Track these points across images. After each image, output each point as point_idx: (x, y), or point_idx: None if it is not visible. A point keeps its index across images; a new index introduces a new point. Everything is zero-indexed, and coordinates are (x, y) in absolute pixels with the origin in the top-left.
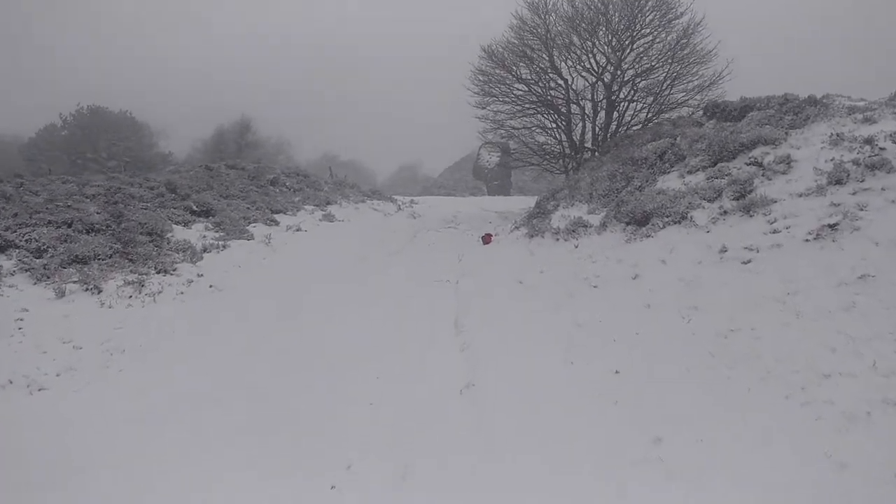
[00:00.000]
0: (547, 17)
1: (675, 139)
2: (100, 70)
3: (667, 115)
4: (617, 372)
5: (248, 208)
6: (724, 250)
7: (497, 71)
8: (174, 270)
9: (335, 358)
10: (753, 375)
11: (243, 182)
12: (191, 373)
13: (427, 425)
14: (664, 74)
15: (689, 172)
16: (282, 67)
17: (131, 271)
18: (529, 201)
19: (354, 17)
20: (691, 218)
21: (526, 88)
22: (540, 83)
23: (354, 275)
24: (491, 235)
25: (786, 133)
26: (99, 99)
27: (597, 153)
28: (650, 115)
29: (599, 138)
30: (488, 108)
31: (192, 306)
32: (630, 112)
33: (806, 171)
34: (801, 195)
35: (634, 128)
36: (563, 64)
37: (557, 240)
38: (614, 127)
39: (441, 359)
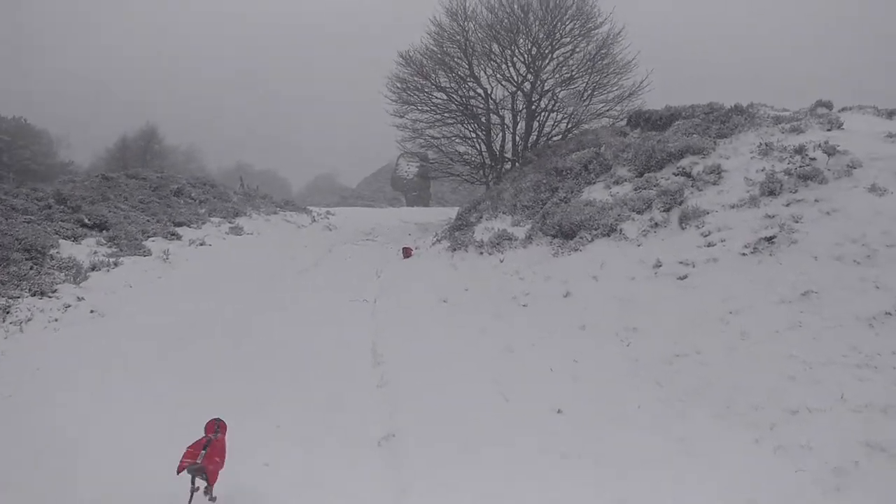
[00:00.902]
0: (466, 23)
1: (600, 149)
2: None
3: (586, 126)
4: (559, 411)
5: (147, 221)
6: (658, 265)
7: (415, 78)
8: (53, 293)
9: (224, 406)
10: (710, 410)
11: (144, 193)
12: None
13: (337, 493)
14: (584, 84)
15: (616, 183)
16: (195, 73)
17: None
18: (450, 212)
19: (271, 19)
20: (621, 231)
21: (445, 97)
22: (459, 91)
23: (260, 296)
24: (411, 249)
25: (714, 142)
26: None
27: (517, 164)
28: (570, 125)
29: (520, 149)
30: (406, 116)
31: (63, 338)
32: (550, 122)
33: (737, 181)
34: (733, 206)
35: (555, 138)
36: (482, 72)
37: (481, 253)
38: (534, 137)
39: (355, 398)
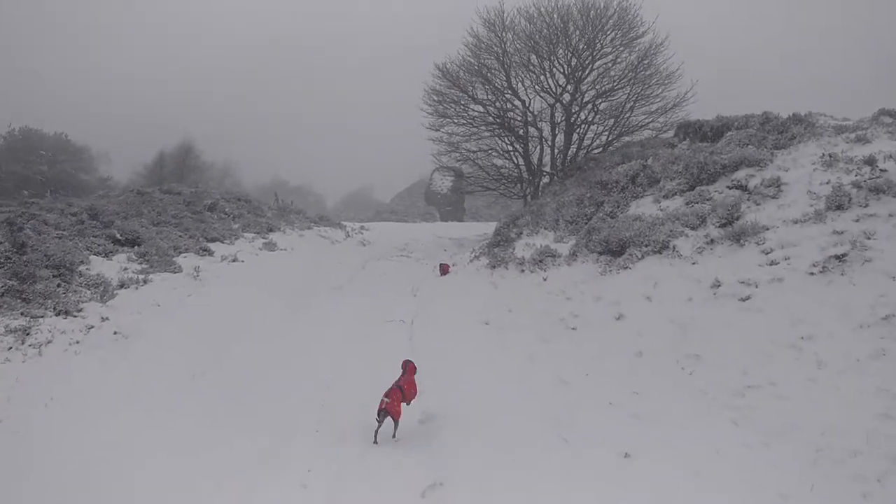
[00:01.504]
0: (504, 34)
1: (647, 161)
2: (42, 90)
3: (627, 138)
4: (627, 455)
5: (180, 237)
6: (716, 285)
7: (452, 91)
8: (79, 312)
9: (247, 452)
10: (802, 457)
11: (178, 208)
12: None
13: None
14: (626, 96)
15: (666, 197)
16: (232, 90)
17: (22, 313)
18: (485, 228)
19: (306, 38)
20: (674, 248)
21: (482, 109)
22: (497, 104)
23: (291, 316)
24: (448, 266)
25: (771, 154)
26: (40, 120)
27: (556, 177)
28: (611, 137)
29: (558, 162)
30: (442, 129)
31: (83, 363)
32: (590, 135)
33: (799, 194)
34: (796, 222)
35: (595, 151)
36: (519, 84)
37: (522, 271)
38: (574, 150)
39: (394, 446)
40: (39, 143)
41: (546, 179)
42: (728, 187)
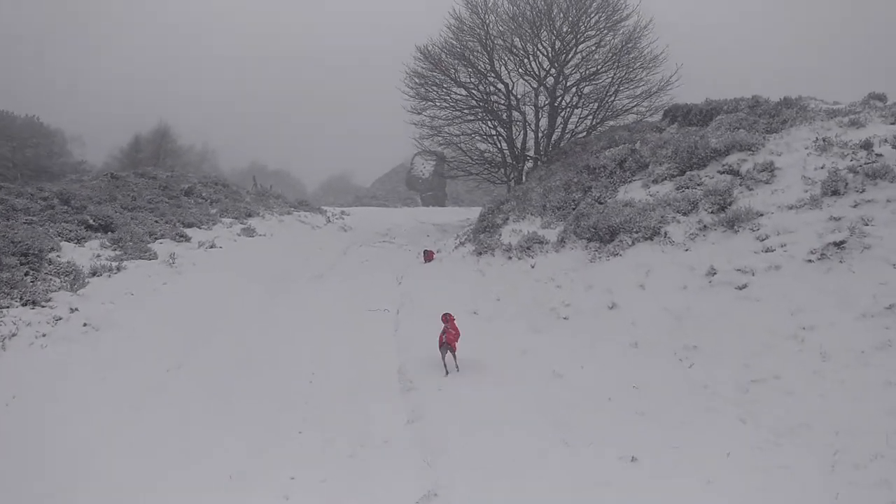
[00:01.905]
0: (486, 16)
1: (635, 145)
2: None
3: (612, 123)
4: (633, 459)
5: (155, 222)
6: (711, 273)
7: (434, 73)
8: (47, 302)
9: (223, 462)
10: (819, 460)
11: (153, 192)
12: None
13: None
14: (610, 79)
15: (655, 182)
16: (209, 74)
17: None
18: (468, 213)
19: (286, 19)
20: (665, 234)
21: (465, 92)
22: (479, 87)
23: (270, 305)
24: (433, 252)
25: (763, 138)
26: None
27: (540, 162)
28: (595, 122)
29: (542, 146)
30: (424, 113)
31: (49, 357)
32: (574, 119)
33: (793, 179)
34: (791, 208)
35: (580, 135)
36: (503, 67)
37: (510, 258)
38: (558, 134)
39: (383, 440)
40: (9, 125)
41: (530, 164)
42: (719, 172)
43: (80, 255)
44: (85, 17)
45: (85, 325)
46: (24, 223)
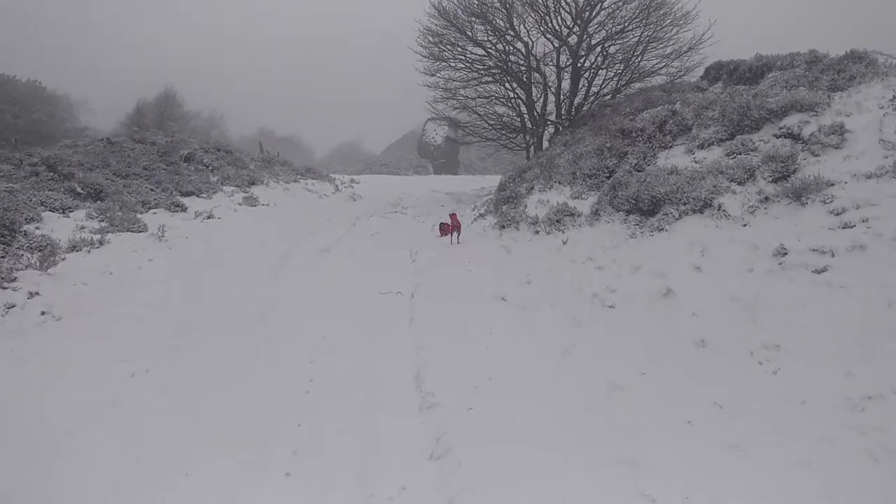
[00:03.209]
0: None
1: (675, 106)
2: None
3: (638, 85)
4: None
5: (151, 190)
6: (781, 253)
7: (449, 31)
8: (10, 283)
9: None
10: None
11: (150, 158)
12: None
13: None
14: (637, 38)
15: (701, 147)
16: (219, 39)
17: None
18: (482, 182)
19: None
20: (719, 206)
21: (482, 52)
22: (497, 46)
23: (269, 286)
24: (449, 226)
25: (828, 97)
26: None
27: (562, 127)
28: (621, 84)
29: (563, 110)
30: (438, 74)
31: None
32: (598, 81)
33: (868, 143)
34: (870, 177)
35: (604, 98)
36: (522, 26)
37: (537, 232)
38: (581, 97)
39: (399, 471)
40: (11, 90)
41: (551, 129)
42: (776, 136)
43: (63, 226)
44: None
45: (43, 313)
46: (5, 191)
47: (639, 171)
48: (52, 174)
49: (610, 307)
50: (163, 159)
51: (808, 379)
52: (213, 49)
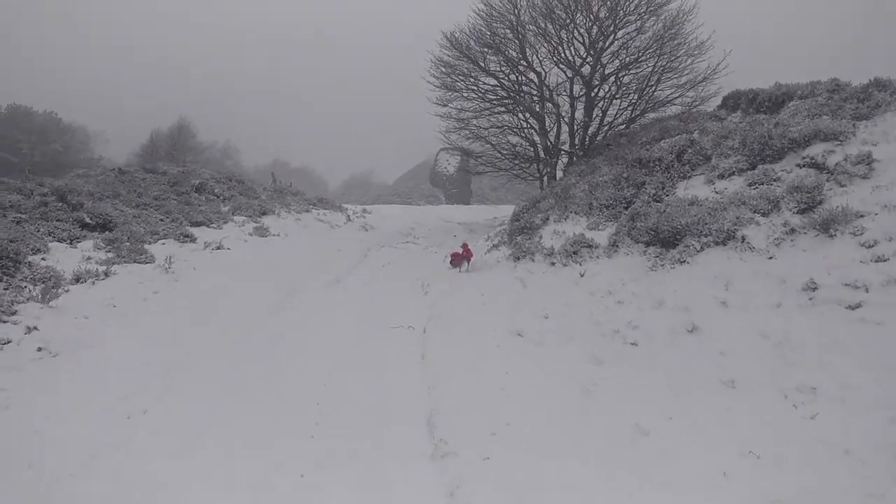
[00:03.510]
0: (518, 1)
1: (693, 135)
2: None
3: (652, 115)
4: None
5: (160, 220)
6: (811, 287)
7: (461, 62)
8: (10, 316)
9: None
10: None
11: (161, 188)
12: None
13: None
14: (651, 68)
15: (721, 177)
16: (235, 73)
17: None
18: (494, 211)
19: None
20: (743, 238)
21: (494, 82)
22: (510, 76)
23: (276, 323)
24: (460, 255)
25: (853, 125)
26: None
27: (576, 157)
28: (635, 113)
29: (577, 140)
30: (451, 104)
31: None
32: (612, 111)
33: None
34: None
35: (618, 128)
36: (535, 56)
37: (553, 264)
38: (595, 127)
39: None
40: (28, 120)
41: (565, 159)
42: (799, 165)
43: (70, 257)
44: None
45: (40, 349)
46: (13, 222)
47: (657, 201)
48: (61, 204)
49: (632, 344)
50: (173, 189)
51: (849, 425)
52: (227, 83)
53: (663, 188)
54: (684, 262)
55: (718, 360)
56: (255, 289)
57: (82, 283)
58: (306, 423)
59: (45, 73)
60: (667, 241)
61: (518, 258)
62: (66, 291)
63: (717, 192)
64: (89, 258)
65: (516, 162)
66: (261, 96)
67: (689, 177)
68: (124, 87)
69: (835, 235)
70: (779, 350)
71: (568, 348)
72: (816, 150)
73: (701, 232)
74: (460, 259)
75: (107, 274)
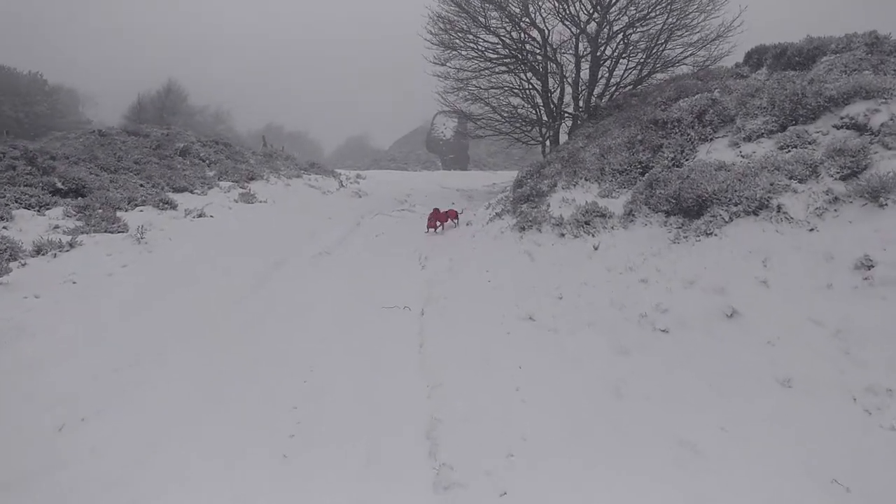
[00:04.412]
0: None
1: (714, 94)
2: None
3: (661, 75)
4: None
5: (140, 185)
6: (865, 265)
7: (460, 17)
8: None
9: None
10: None
11: (143, 152)
12: None
13: None
14: (660, 25)
15: (748, 139)
16: (230, 37)
17: None
18: (493, 177)
19: None
20: (778, 207)
21: (495, 40)
22: (512, 34)
23: (255, 302)
24: (443, 215)
25: None
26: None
27: (580, 119)
28: (643, 73)
29: (581, 101)
30: (449, 63)
31: None
32: (618, 71)
33: None
34: None
35: (625, 89)
36: (538, 12)
37: (562, 235)
38: (601, 88)
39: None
40: (14, 82)
41: (569, 122)
42: (836, 126)
43: (36, 225)
44: None
45: None
46: None
47: (677, 166)
48: (30, 168)
49: (662, 331)
50: (156, 153)
51: None
52: (223, 46)
53: (682, 152)
54: (711, 234)
55: (767, 351)
56: (236, 262)
57: (43, 255)
58: (279, 437)
59: (36, 39)
60: (690, 210)
61: (524, 228)
62: (22, 265)
63: (743, 156)
64: (56, 227)
65: (517, 125)
66: (254, 60)
67: (711, 139)
68: (118, 54)
69: (885, 205)
70: (838, 341)
71: (588, 336)
72: (857, 109)
73: (730, 200)
74: (433, 222)
75: (72, 245)
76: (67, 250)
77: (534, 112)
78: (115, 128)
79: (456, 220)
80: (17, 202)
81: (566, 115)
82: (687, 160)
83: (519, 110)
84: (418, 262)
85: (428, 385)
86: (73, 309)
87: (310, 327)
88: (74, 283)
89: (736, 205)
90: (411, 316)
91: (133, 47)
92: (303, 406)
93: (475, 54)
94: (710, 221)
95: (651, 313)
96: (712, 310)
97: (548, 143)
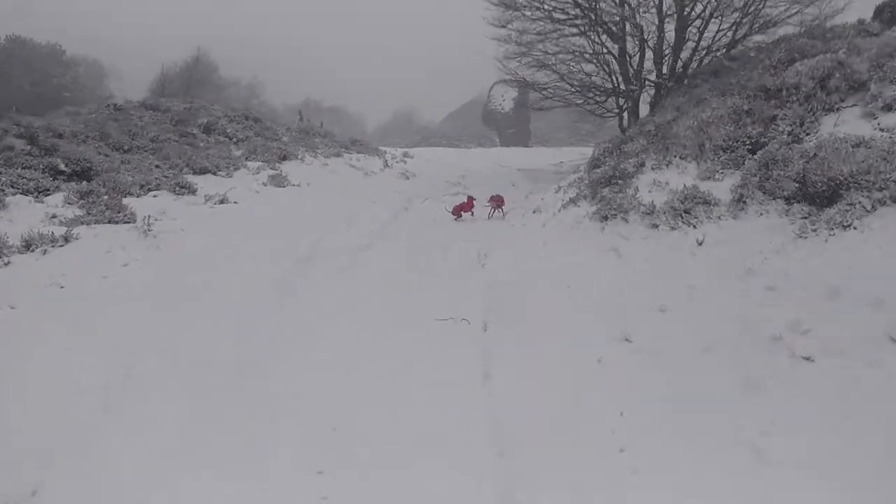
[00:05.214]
0: None
1: (839, 55)
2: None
3: (759, 37)
4: None
5: (156, 167)
6: None
7: None
8: None
9: None
10: None
11: (161, 128)
12: None
13: None
14: None
15: (887, 109)
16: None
17: None
18: (559, 154)
19: None
20: None
21: None
22: None
23: (273, 312)
24: (461, 207)
25: None
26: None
27: (664, 89)
28: (738, 35)
29: (665, 68)
30: (510, 25)
31: None
32: (708, 33)
33: None
34: None
35: (715, 54)
36: None
37: (655, 226)
38: (688, 53)
39: None
40: (30, 53)
41: (652, 92)
42: None
43: (32, 214)
44: None
45: None
46: None
47: (796, 141)
48: (30, 147)
49: (806, 360)
50: (176, 129)
51: None
52: (257, 18)
53: (802, 124)
54: (850, 226)
55: None
56: (257, 259)
57: (32, 251)
58: None
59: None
60: (819, 196)
61: (606, 218)
62: (6, 265)
63: (882, 130)
64: (54, 216)
65: (590, 95)
66: (293, 28)
67: (838, 109)
68: (145, 22)
69: None
70: None
71: (703, 366)
72: None
73: (872, 184)
74: (459, 210)
75: (66, 239)
76: (61, 245)
77: (609, 80)
78: (132, 101)
79: (504, 209)
80: (13, 187)
81: (648, 83)
82: (808, 134)
83: (592, 78)
84: (477, 259)
85: (495, 444)
86: (51, 323)
87: (339, 351)
88: (62, 287)
89: (880, 190)
90: (471, 331)
91: (162, 18)
92: (329, 471)
93: (541, 14)
94: (847, 210)
95: (786, 333)
96: (873, 331)
97: (625, 115)
